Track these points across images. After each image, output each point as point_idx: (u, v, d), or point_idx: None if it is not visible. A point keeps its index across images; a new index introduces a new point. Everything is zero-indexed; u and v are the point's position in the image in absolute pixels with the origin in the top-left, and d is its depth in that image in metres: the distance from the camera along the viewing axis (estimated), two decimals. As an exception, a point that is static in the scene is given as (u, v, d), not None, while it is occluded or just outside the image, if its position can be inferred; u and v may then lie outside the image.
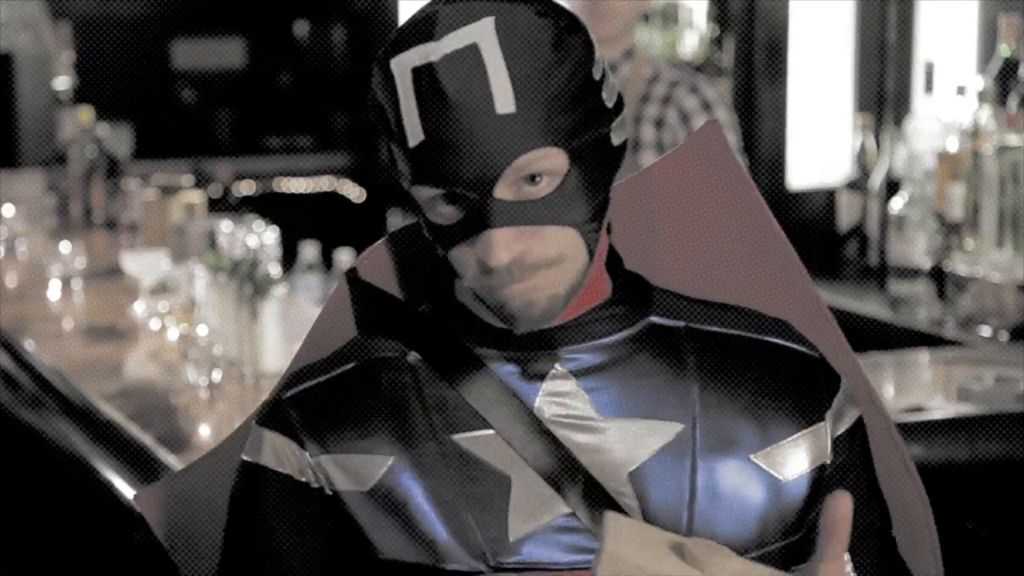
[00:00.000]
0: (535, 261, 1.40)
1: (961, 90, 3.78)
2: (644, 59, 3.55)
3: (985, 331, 3.43)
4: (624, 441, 1.45)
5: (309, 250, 3.98)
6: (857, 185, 4.15)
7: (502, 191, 1.39)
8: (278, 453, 1.48)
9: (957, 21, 4.30)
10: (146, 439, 2.64)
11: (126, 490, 2.51)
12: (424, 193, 1.42)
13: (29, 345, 3.34)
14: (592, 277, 1.47)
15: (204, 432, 2.75)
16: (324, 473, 1.47)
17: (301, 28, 8.45)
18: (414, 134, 1.40)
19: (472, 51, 1.38)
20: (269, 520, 1.48)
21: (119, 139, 6.28)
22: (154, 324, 3.46)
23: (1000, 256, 3.54)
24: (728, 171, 1.58)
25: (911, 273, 3.63)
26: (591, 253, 1.44)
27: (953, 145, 3.69)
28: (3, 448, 3.19)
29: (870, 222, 4.09)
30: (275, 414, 1.50)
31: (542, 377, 1.46)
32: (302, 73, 8.41)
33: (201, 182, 5.57)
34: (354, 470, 1.46)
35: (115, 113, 6.68)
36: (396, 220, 7.21)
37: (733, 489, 1.46)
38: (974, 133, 3.60)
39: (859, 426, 1.54)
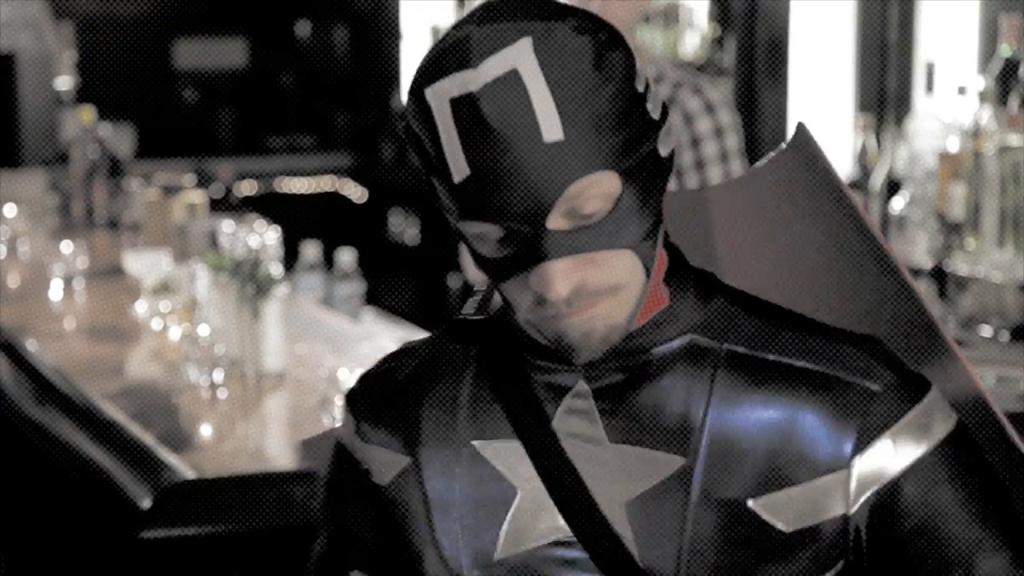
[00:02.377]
0: (594, 289, 1.35)
1: (962, 90, 3.78)
2: (647, 60, 3.54)
3: (986, 331, 3.44)
4: (624, 469, 1.40)
5: (311, 250, 3.98)
6: (858, 185, 4.16)
7: (555, 221, 1.33)
8: (346, 430, 1.54)
9: (958, 21, 4.30)
10: (148, 439, 2.64)
11: (127, 489, 2.52)
12: (473, 229, 1.36)
13: (31, 345, 3.34)
14: (649, 294, 1.41)
15: (205, 432, 2.75)
16: (364, 457, 1.52)
17: (303, 28, 8.46)
18: (458, 169, 1.33)
19: (513, 77, 1.32)
20: (338, 496, 1.54)
21: (121, 139, 6.28)
22: (156, 324, 3.46)
23: (1001, 256, 3.54)
24: (824, 179, 1.51)
25: (912, 273, 3.63)
26: (648, 271, 1.38)
27: (954, 145, 3.69)
28: (5, 447, 3.19)
29: (871, 222, 4.09)
30: (352, 391, 1.55)
31: (565, 391, 1.43)
32: (304, 73, 8.42)
33: (203, 182, 5.58)
34: (379, 462, 1.50)
35: (117, 113, 6.68)
36: (397, 220, 7.21)
37: (724, 535, 1.38)
38: (975, 133, 3.60)
39: (933, 459, 1.40)
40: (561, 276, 1.33)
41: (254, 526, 2.41)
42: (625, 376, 1.42)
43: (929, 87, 4.19)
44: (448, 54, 1.34)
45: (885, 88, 4.52)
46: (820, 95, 4.67)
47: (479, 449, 1.45)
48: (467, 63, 1.33)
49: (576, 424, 1.42)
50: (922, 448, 1.39)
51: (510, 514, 1.43)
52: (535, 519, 1.42)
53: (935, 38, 4.41)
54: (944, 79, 4.19)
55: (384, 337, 3.89)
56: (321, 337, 3.40)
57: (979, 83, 3.68)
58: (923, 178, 3.78)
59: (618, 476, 1.40)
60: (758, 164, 1.50)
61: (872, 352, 1.41)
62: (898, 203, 3.74)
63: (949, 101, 3.99)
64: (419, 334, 5.47)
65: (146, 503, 2.42)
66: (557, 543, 1.41)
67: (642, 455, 1.40)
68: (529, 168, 1.32)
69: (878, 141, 4.26)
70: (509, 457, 1.44)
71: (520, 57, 1.32)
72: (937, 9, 4.42)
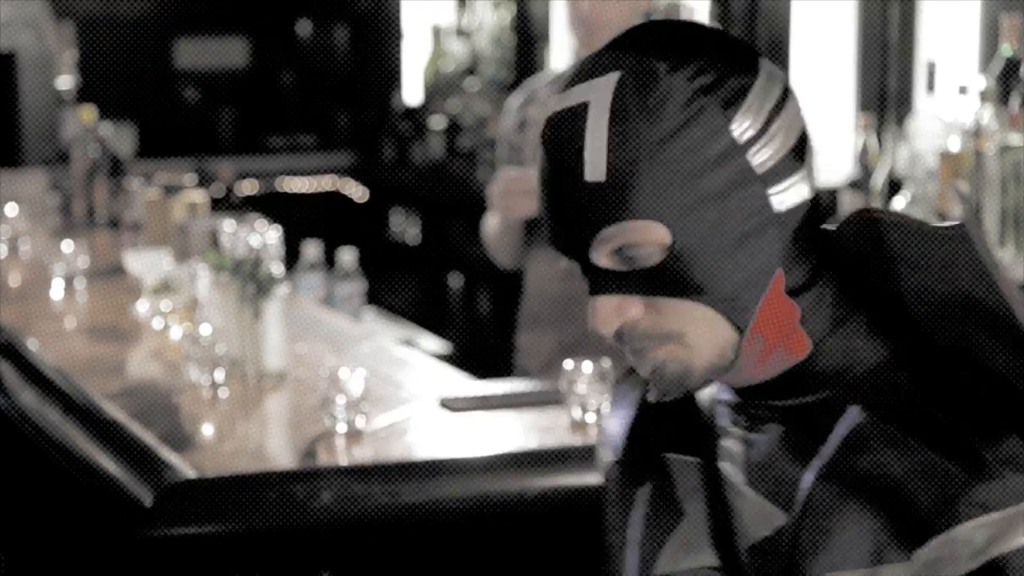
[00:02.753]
0: (645, 332, 1.33)
1: (963, 90, 3.78)
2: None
3: (987, 331, 3.43)
4: (749, 514, 1.38)
5: (311, 249, 3.98)
6: (859, 185, 4.15)
7: (602, 259, 1.32)
8: None
9: (959, 21, 4.30)
10: (148, 438, 2.64)
11: (128, 489, 2.52)
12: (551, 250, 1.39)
13: (32, 344, 3.34)
14: (790, 341, 1.36)
15: (206, 431, 2.75)
16: (603, 446, 1.57)
17: (304, 27, 8.46)
18: (539, 190, 1.37)
19: (580, 110, 1.31)
20: None
21: (122, 138, 6.29)
22: (156, 323, 3.46)
23: (1002, 255, 3.54)
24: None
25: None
26: (740, 326, 1.33)
27: (955, 145, 3.69)
28: (5, 447, 3.19)
29: (872, 222, 4.09)
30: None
31: (732, 424, 1.41)
32: (304, 72, 8.42)
33: (203, 181, 5.58)
34: (601, 455, 1.54)
35: (118, 112, 6.69)
36: (398, 219, 7.21)
37: None
38: (976, 133, 3.60)
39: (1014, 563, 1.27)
40: (607, 314, 1.32)
41: (255, 526, 2.41)
42: (768, 420, 1.38)
43: (930, 87, 4.19)
44: (569, 74, 1.36)
45: (886, 88, 4.52)
46: (821, 94, 4.67)
47: (668, 461, 1.46)
48: (566, 86, 1.34)
49: (730, 458, 1.41)
50: (997, 550, 1.26)
51: (674, 533, 1.43)
52: (692, 544, 1.42)
53: (936, 37, 4.41)
54: (945, 79, 4.19)
55: (385, 336, 3.89)
56: (322, 336, 3.40)
57: (980, 83, 3.68)
58: (924, 178, 3.78)
59: (745, 519, 1.39)
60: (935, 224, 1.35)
61: (1000, 448, 1.28)
62: (899, 203, 3.74)
63: (950, 101, 3.99)
64: (420, 334, 5.47)
65: (147, 502, 2.42)
66: (709, 568, 1.42)
67: (760, 504, 1.38)
68: (568, 203, 1.32)
69: (879, 141, 4.26)
70: (689, 474, 1.44)
71: (599, 90, 1.31)
72: (938, 8, 4.42)
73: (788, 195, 1.33)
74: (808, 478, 1.33)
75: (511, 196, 3.43)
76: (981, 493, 1.26)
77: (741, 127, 1.31)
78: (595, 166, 1.30)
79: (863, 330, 1.37)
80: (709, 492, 1.42)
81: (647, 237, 1.30)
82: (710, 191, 1.30)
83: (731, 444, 1.40)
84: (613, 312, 1.32)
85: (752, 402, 1.38)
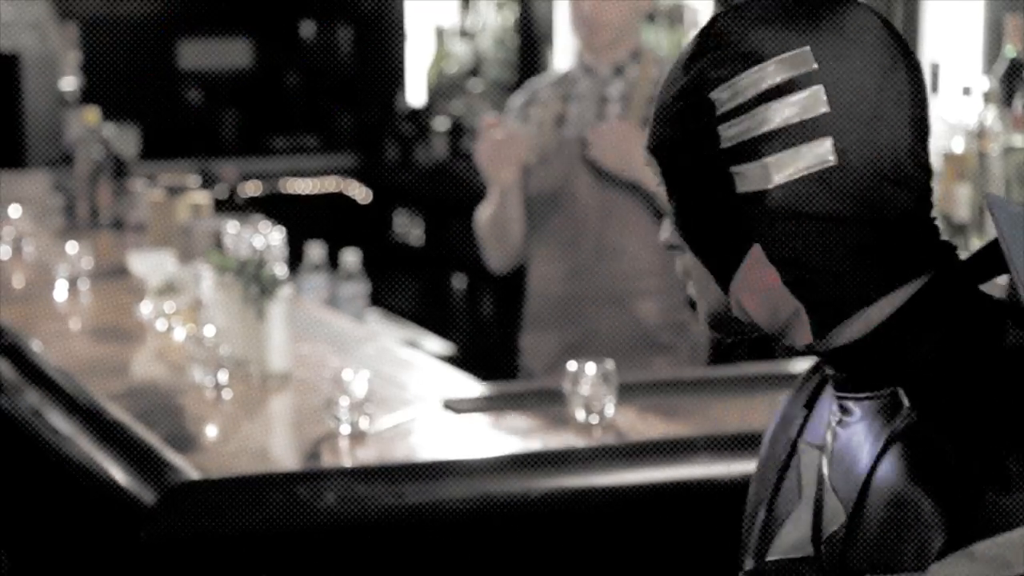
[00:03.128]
0: (680, 266, 1.44)
1: (967, 91, 3.78)
2: (652, 60, 3.55)
3: (991, 332, 3.43)
4: (828, 509, 1.38)
5: (315, 250, 3.98)
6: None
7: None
8: None
9: (963, 21, 4.30)
10: (152, 439, 2.64)
11: (131, 490, 2.52)
12: None
13: (35, 345, 3.34)
14: (752, 308, 1.38)
15: (210, 432, 2.75)
16: None
17: (307, 28, 8.46)
18: None
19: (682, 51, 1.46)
20: None
21: (125, 139, 6.29)
22: (160, 324, 3.46)
23: (1006, 257, 3.54)
24: None
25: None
26: (724, 286, 1.38)
27: (959, 146, 3.69)
28: (9, 448, 3.19)
29: (876, 223, 4.08)
30: None
31: (831, 416, 1.42)
32: (308, 73, 8.42)
33: (207, 182, 5.58)
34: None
35: (121, 113, 6.69)
36: (401, 220, 7.22)
37: None
38: (980, 134, 3.60)
39: None
40: (663, 224, 1.44)
41: (258, 527, 2.41)
42: (849, 414, 1.38)
43: (934, 87, 4.18)
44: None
45: (890, 89, 4.51)
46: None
47: (800, 447, 1.47)
48: None
49: (825, 451, 1.42)
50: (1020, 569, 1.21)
51: (790, 518, 1.44)
52: (799, 531, 1.43)
53: (940, 38, 4.41)
54: (949, 79, 4.19)
55: (388, 338, 3.89)
56: (325, 337, 3.40)
57: (984, 84, 3.68)
58: (928, 179, 3.78)
59: (825, 513, 1.39)
60: None
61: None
62: (903, 204, 3.73)
63: (954, 102, 3.99)
64: (423, 335, 5.47)
65: (150, 503, 2.42)
66: (803, 560, 1.42)
67: (832, 499, 1.38)
68: None
69: (883, 142, 4.25)
70: (810, 463, 1.44)
71: (690, 39, 1.44)
72: (942, 9, 4.42)
73: (754, 176, 1.33)
74: (863, 478, 1.32)
75: (495, 139, 3.38)
76: (996, 513, 1.21)
77: (722, 96, 1.34)
78: (654, 99, 1.48)
79: (930, 326, 1.34)
80: (819, 482, 1.42)
81: (652, 167, 1.41)
82: (680, 141, 1.38)
83: (828, 436, 1.41)
84: (664, 226, 1.44)
85: (839, 395, 1.40)
